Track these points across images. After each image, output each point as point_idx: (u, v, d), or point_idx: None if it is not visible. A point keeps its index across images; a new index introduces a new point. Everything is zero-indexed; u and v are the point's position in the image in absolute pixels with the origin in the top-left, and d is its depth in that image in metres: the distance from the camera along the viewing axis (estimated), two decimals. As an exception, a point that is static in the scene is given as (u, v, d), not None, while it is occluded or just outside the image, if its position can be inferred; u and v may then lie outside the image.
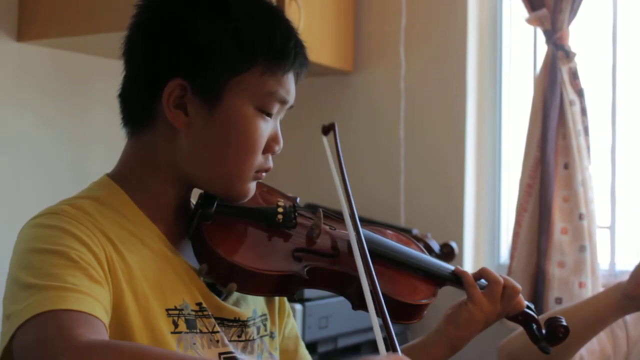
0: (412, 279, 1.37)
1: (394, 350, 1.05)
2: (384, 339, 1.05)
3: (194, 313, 1.18)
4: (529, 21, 2.93)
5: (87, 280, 1.05)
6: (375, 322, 1.09)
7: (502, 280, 1.38)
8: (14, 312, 1.03)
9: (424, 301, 1.33)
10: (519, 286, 1.40)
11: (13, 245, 1.16)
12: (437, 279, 1.39)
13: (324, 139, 1.38)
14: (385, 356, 1.01)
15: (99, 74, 2.82)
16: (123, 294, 1.11)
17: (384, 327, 1.09)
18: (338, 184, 1.31)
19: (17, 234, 1.16)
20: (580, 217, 2.80)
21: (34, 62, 2.66)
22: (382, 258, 1.35)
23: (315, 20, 2.96)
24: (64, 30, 2.56)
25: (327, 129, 1.38)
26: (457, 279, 1.40)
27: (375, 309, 1.11)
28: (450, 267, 1.42)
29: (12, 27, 2.61)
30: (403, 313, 1.32)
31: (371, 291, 1.14)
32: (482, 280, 1.40)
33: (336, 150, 1.34)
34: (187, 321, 1.17)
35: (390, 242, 1.41)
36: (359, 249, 1.20)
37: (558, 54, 2.85)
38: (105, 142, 2.81)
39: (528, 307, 1.43)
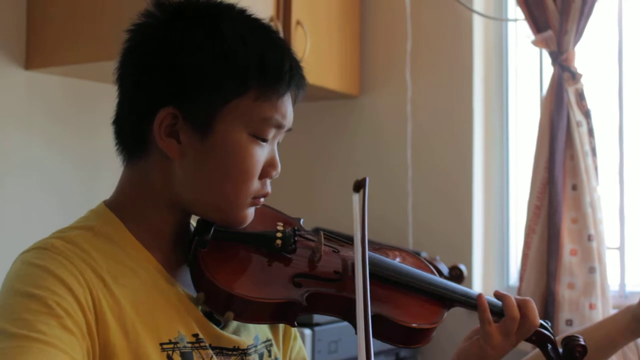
0: (419, 301, 1.33)
1: None
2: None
3: (190, 345, 1.16)
4: (534, 43, 2.93)
5: (59, 329, 1.03)
6: (362, 347, 1.05)
7: (518, 316, 1.31)
8: None
9: (429, 325, 1.29)
10: (537, 321, 1.33)
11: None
12: (444, 301, 1.34)
13: (354, 197, 1.28)
14: None
15: (106, 100, 2.82)
16: (110, 333, 1.09)
17: (365, 351, 1.05)
18: (358, 242, 1.22)
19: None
20: (589, 238, 2.78)
21: (42, 89, 2.68)
22: (387, 281, 1.31)
23: (321, 45, 2.97)
24: (72, 58, 2.58)
25: (359, 186, 1.29)
26: (472, 305, 1.35)
27: (367, 340, 1.07)
28: (473, 292, 1.36)
29: (20, 55, 2.62)
30: (409, 337, 1.28)
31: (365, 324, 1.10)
32: (496, 302, 1.35)
33: (362, 208, 1.25)
34: (182, 354, 1.14)
35: (395, 263, 1.36)
36: (362, 272, 1.15)
37: (564, 76, 2.85)
38: (114, 168, 2.81)
39: (542, 326, 1.36)
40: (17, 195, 2.59)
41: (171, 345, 1.14)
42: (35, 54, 2.62)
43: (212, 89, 1.16)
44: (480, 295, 1.34)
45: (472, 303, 1.35)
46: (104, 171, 2.83)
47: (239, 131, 1.17)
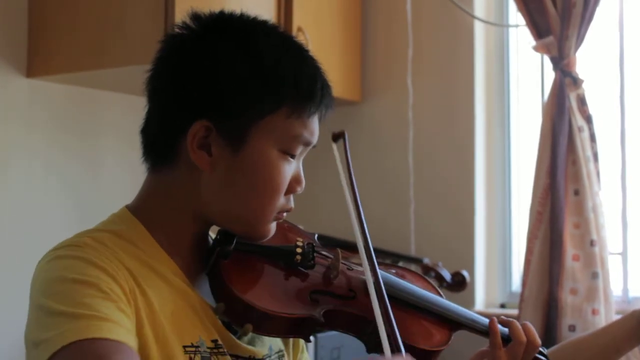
0: (427, 322, 1.35)
1: None
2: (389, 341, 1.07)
3: (209, 350, 1.17)
4: (535, 48, 2.94)
5: (118, 312, 1.05)
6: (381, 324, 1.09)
7: (525, 340, 1.36)
8: (47, 339, 1.02)
9: (437, 347, 1.31)
10: (539, 341, 1.38)
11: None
12: (452, 324, 1.36)
13: (334, 146, 1.35)
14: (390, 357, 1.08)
15: (108, 108, 2.84)
16: (143, 329, 1.10)
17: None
18: (348, 197, 1.29)
19: (36, 265, 1.15)
20: (592, 243, 2.78)
21: (44, 97, 2.68)
22: (397, 300, 1.33)
23: (322, 51, 2.97)
24: (74, 66, 2.58)
25: (337, 137, 1.36)
26: (481, 331, 1.38)
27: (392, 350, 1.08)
28: (483, 319, 1.40)
29: (22, 62, 2.63)
30: (417, 358, 1.30)
31: (388, 335, 1.12)
32: (502, 329, 1.38)
33: (346, 160, 1.32)
34: (202, 359, 1.15)
35: (406, 283, 1.39)
36: (377, 293, 1.18)
37: (565, 81, 2.85)
38: (115, 175, 2.82)
39: (540, 353, 1.41)
40: (19, 200, 2.59)
41: (193, 349, 1.16)
42: (36, 62, 2.63)
43: (246, 104, 1.18)
44: (492, 320, 1.38)
45: (478, 328, 1.38)
46: (106, 178, 2.83)
47: (270, 147, 1.19)
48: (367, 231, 1.27)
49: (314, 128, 1.24)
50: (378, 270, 1.23)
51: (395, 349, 1.10)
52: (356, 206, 1.28)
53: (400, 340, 1.12)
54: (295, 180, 1.24)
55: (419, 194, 3.14)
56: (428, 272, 2.76)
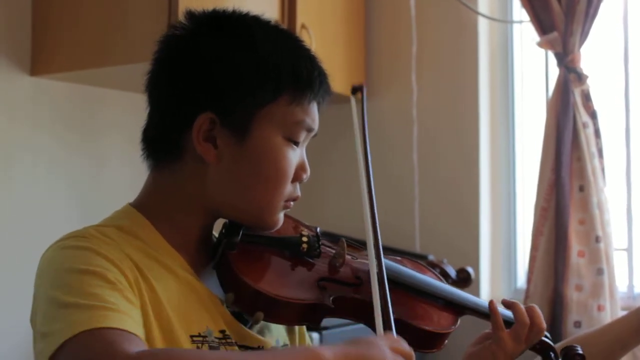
0: (434, 307, 1.37)
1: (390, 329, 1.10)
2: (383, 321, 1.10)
3: (217, 340, 1.18)
4: (540, 45, 2.93)
5: (125, 302, 1.07)
6: (378, 306, 1.11)
7: (528, 322, 1.37)
8: (55, 330, 1.03)
9: (446, 330, 1.34)
10: (544, 325, 1.39)
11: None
12: (457, 308, 1.39)
13: (352, 99, 1.37)
14: (382, 335, 1.10)
15: (112, 106, 2.84)
16: (147, 318, 1.12)
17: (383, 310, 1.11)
18: (360, 152, 1.36)
19: (41, 256, 1.16)
20: (597, 239, 2.78)
21: (47, 95, 2.68)
22: (403, 287, 1.36)
23: (326, 48, 2.97)
24: (77, 64, 2.58)
25: (356, 89, 1.38)
26: (485, 314, 1.40)
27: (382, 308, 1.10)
28: (482, 301, 1.42)
29: (26, 61, 2.62)
30: (427, 341, 1.32)
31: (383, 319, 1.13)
32: (507, 312, 1.39)
33: (361, 114, 1.36)
34: (210, 348, 1.17)
35: (411, 271, 1.42)
36: (375, 254, 1.20)
37: (570, 77, 2.85)
38: (120, 174, 2.82)
39: (545, 336, 1.42)
40: (23, 198, 2.59)
41: (200, 338, 1.17)
42: (40, 60, 2.62)
43: (248, 94, 1.20)
44: (491, 301, 1.39)
45: (482, 311, 1.41)
46: (109, 176, 2.83)
47: (274, 134, 1.22)
48: (374, 197, 1.33)
49: (315, 114, 1.27)
50: (381, 251, 1.25)
51: (387, 327, 1.13)
52: (366, 165, 1.31)
53: (393, 319, 1.14)
54: (301, 168, 1.27)
55: (423, 190, 3.14)
56: (433, 269, 2.75)
